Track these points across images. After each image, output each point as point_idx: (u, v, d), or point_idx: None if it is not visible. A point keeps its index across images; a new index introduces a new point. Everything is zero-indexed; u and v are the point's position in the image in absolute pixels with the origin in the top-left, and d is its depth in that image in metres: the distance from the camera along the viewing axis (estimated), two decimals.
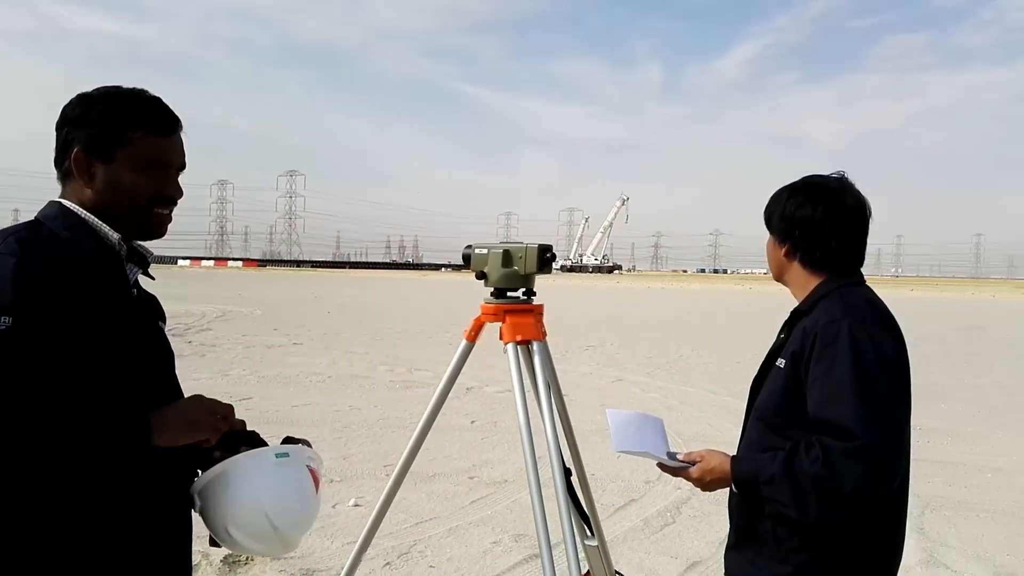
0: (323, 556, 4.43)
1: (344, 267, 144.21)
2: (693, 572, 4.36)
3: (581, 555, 2.66)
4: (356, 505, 5.35)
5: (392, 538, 4.73)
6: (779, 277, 2.08)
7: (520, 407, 2.13)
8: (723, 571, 2.11)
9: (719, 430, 8.07)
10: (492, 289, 2.27)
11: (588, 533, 2.59)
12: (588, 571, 2.66)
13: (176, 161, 1.67)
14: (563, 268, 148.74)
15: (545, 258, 2.20)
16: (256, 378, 10.66)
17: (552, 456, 2.16)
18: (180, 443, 1.53)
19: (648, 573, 4.33)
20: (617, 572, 2.64)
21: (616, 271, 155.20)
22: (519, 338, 2.20)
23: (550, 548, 2.11)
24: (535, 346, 2.22)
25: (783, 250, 2.01)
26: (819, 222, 1.94)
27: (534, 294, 2.31)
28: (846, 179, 1.99)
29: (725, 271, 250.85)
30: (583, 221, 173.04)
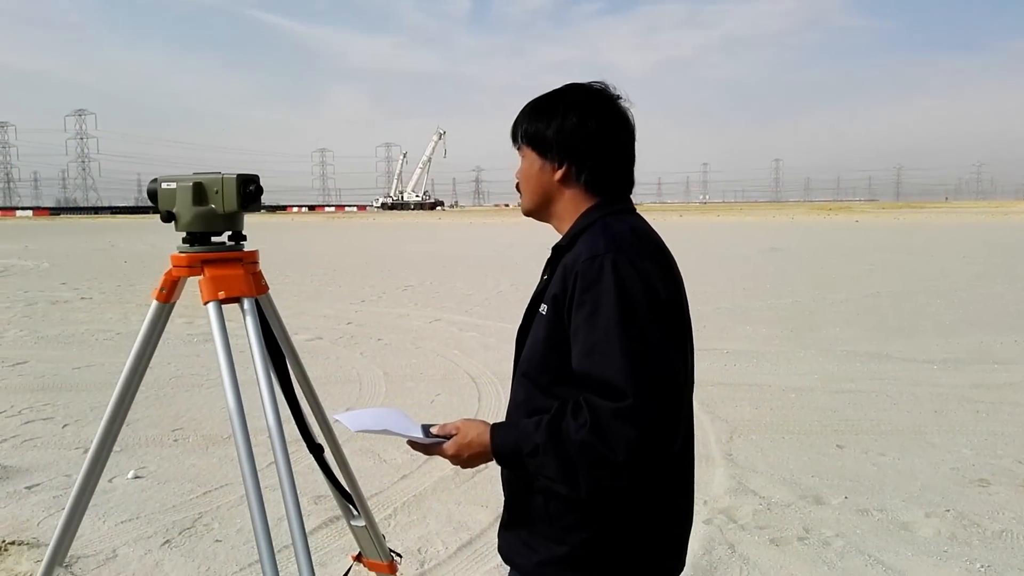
0: (92, 539, 3.92)
1: (148, 213, 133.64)
2: None
3: (348, 537, 2.30)
4: (137, 477, 4.80)
5: (175, 511, 4.27)
6: (542, 207, 1.71)
7: (229, 387, 1.64)
8: (497, 536, 1.80)
9: None
10: (184, 235, 1.75)
11: (353, 512, 2.20)
12: (359, 553, 2.30)
13: None
14: (384, 206, 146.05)
15: (248, 192, 1.70)
16: (34, 339, 9.63)
17: (274, 440, 1.71)
18: None
19: (458, 525, 4.06)
20: (392, 551, 2.28)
21: (439, 207, 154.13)
22: (223, 295, 1.70)
23: (272, 553, 1.68)
24: (246, 304, 1.72)
25: (559, 173, 1.64)
26: (607, 137, 1.62)
27: (244, 238, 1.81)
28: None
29: None
30: (401, 157, 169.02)
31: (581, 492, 1.45)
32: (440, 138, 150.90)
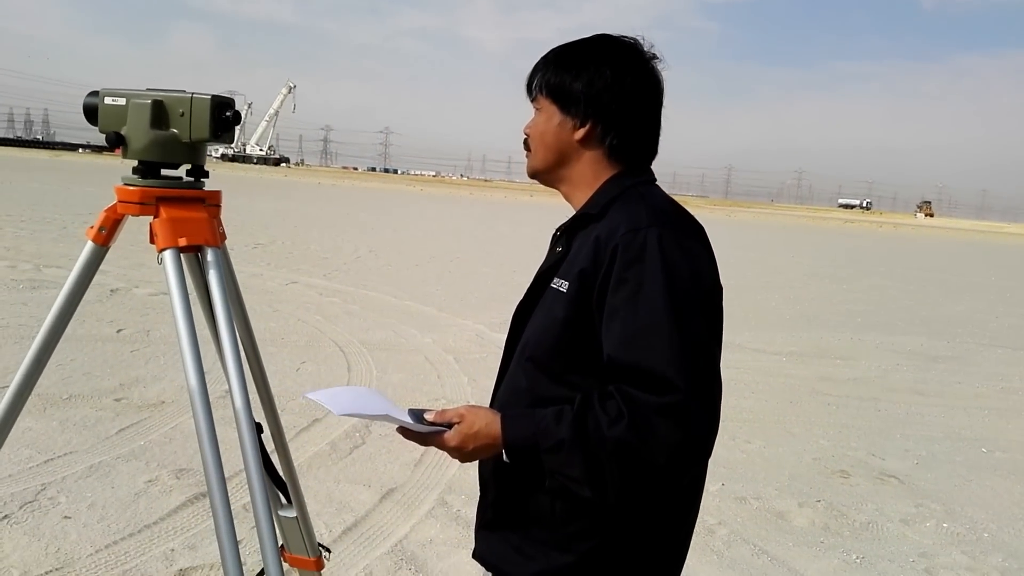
0: None
1: None
2: (390, 501, 3.88)
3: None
4: None
5: (13, 482, 3.71)
6: (553, 168, 1.51)
7: (190, 360, 1.31)
8: (474, 536, 1.59)
9: (404, 337, 7.70)
10: (136, 164, 1.41)
11: (284, 501, 1.93)
12: (281, 546, 2.03)
13: None
14: (224, 157, 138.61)
15: (223, 118, 1.37)
16: None
17: (241, 416, 1.41)
18: None
19: (340, 506, 3.77)
20: (321, 546, 2.03)
21: (284, 163, 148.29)
22: (183, 243, 1.38)
23: (235, 542, 1.39)
24: (210, 255, 1.41)
25: (581, 132, 1.44)
26: (641, 98, 1.45)
27: (206, 175, 1.49)
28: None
29: (396, 171, 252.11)
30: (246, 107, 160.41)
31: (609, 496, 1.29)
32: (290, 91, 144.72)
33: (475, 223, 27.50)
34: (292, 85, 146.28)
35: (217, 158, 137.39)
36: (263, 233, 16.46)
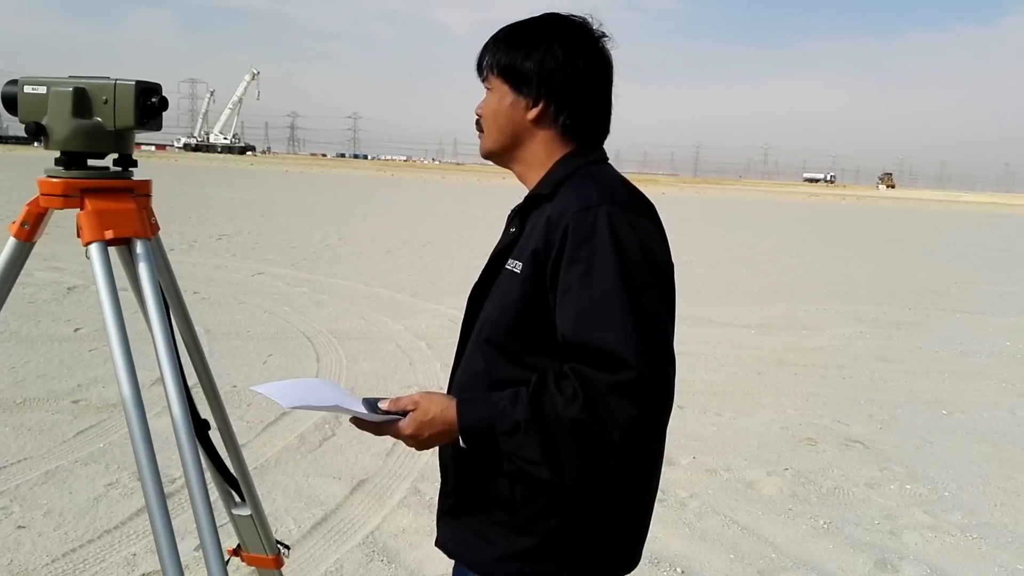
0: None
1: None
2: (361, 492, 3.85)
3: (229, 528, 1.99)
4: None
5: None
6: (507, 149, 1.49)
7: (122, 365, 1.26)
8: (436, 524, 1.58)
9: (375, 324, 7.64)
10: (58, 155, 1.36)
11: (237, 499, 1.89)
12: (238, 546, 1.99)
13: None
14: (187, 147, 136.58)
15: (149, 104, 1.32)
16: None
17: (176, 411, 1.37)
18: None
19: (309, 500, 3.73)
20: (279, 543, 1.99)
21: (249, 152, 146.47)
22: (110, 235, 1.32)
23: (174, 545, 1.35)
24: (139, 247, 1.36)
25: (534, 111, 1.43)
26: (593, 77, 1.44)
27: (134, 164, 1.44)
28: None
29: (366, 156, 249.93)
30: (208, 95, 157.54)
31: (567, 476, 1.28)
32: (254, 78, 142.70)
33: (447, 207, 27.38)
34: (256, 72, 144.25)
35: (180, 148, 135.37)
36: (228, 224, 16.24)
